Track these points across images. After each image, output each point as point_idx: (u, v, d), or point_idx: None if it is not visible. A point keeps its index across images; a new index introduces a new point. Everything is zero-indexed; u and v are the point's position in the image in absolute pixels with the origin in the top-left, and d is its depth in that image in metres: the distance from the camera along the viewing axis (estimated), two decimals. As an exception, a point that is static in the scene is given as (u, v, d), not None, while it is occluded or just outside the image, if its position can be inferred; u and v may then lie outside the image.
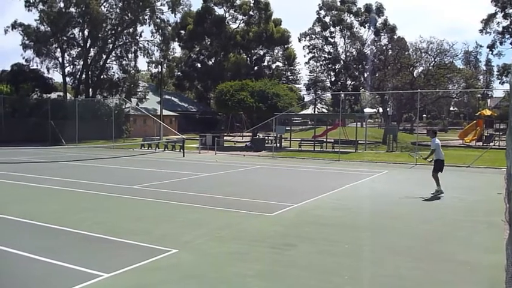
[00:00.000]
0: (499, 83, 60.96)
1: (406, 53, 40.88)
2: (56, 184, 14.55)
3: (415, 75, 38.27)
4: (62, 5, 46.96)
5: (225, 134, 44.80)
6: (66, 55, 50.23)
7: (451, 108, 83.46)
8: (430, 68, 37.78)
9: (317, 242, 8.00)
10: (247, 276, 6.21)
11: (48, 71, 49.28)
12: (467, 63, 63.37)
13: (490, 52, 56.10)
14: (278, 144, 32.42)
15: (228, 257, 7.07)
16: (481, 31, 53.60)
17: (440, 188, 12.85)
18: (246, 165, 21.48)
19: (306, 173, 19.40)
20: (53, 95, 47.61)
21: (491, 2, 50.38)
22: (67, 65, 50.75)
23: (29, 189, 13.88)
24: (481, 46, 66.97)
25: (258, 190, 14.03)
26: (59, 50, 49.65)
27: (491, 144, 32.34)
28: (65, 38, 48.84)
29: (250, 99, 33.63)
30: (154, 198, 11.99)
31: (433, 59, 37.91)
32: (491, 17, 51.83)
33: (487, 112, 41.67)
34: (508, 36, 51.87)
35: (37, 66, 48.46)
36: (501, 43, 53.53)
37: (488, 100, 72.51)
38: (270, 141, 34.23)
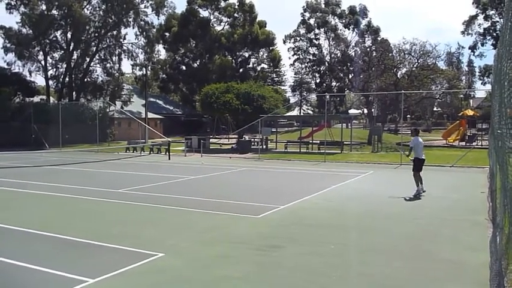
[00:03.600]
0: (481, 83, 62.21)
1: (390, 54, 41.26)
2: (40, 189, 14.34)
3: (398, 76, 38.68)
4: (44, 7, 46.36)
5: (211, 136, 44.64)
6: (48, 58, 49.62)
7: (435, 109, 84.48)
8: (414, 69, 38.23)
9: (304, 243, 7.99)
10: (235, 279, 6.18)
11: (30, 74, 48.67)
12: (450, 64, 64.26)
13: (472, 53, 57.13)
14: (264, 146, 32.41)
15: (215, 260, 7.02)
16: (462, 32, 54.56)
17: (420, 187, 12.98)
18: (232, 168, 21.43)
19: (292, 174, 19.42)
20: (36, 99, 46.92)
21: (473, 3, 51.21)
22: (50, 68, 50.19)
23: (13, 194, 13.63)
24: (463, 47, 68.12)
25: (244, 192, 13.99)
26: (41, 53, 48.99)
27: (474, 143, 32.77)
28: (47, 41, 48.16)
29: (236, 101, 33.60)
30: (140, 202, 11.88)
31: (416, 60, 38.39)
32: (473, 18, 52.69)
33: (470, 112, 42.33)
34: (489, 37, 52.75)
35: (19, 69, 47.84)
36: (482, 44, 54.50)
37: (471, 100, 73.51)
38: (256, 143, 34.22)
